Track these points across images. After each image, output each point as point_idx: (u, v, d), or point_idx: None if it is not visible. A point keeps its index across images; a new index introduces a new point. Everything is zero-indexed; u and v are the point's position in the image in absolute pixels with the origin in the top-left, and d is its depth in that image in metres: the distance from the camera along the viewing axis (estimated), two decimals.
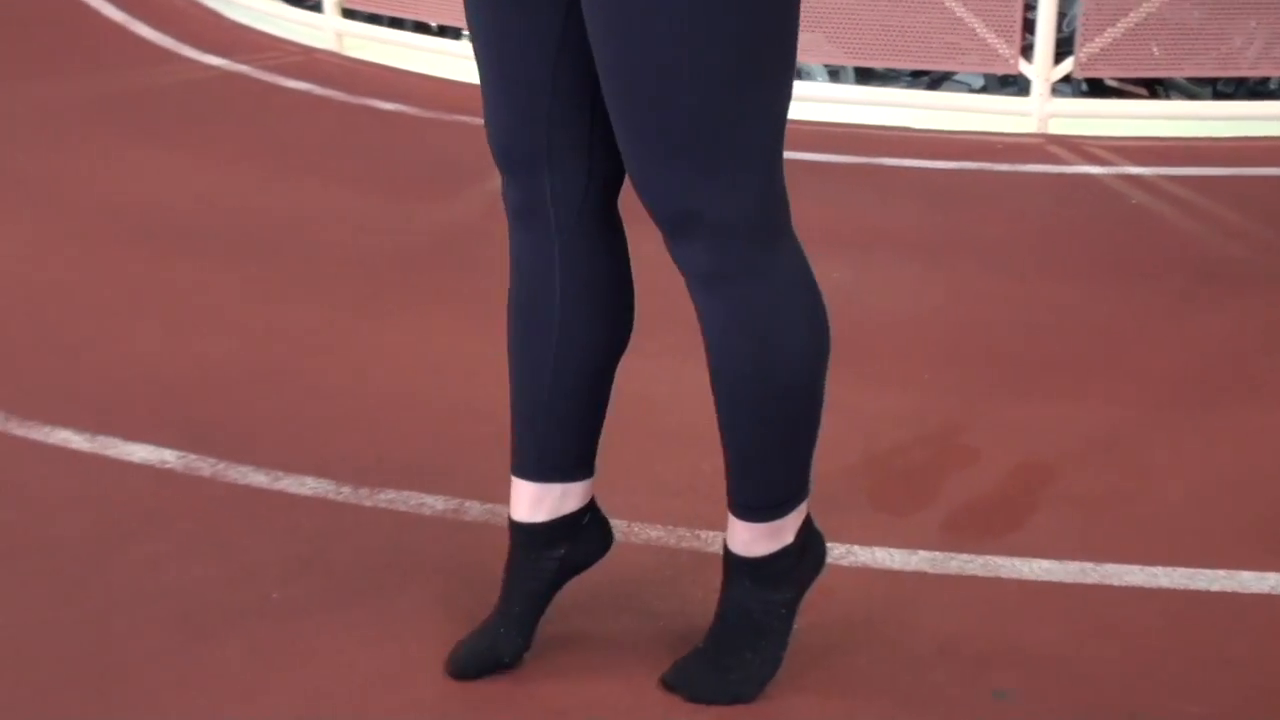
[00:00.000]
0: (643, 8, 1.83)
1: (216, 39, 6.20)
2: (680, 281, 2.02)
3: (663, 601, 2.40)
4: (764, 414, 2.06)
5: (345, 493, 2.72)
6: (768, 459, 2.10)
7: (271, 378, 3.20)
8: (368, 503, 2.70)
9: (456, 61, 5.85)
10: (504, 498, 2.67)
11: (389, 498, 2.71)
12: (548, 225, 2.09)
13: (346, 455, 2.85)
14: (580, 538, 2.23)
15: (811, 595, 2.20)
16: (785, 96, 1.95)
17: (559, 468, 2.19)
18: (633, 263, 2.17)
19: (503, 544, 2.55)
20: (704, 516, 2.62)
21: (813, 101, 5.15)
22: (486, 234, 4.14)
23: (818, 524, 2.21)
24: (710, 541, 2.55)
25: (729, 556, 2.16)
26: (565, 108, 2.01)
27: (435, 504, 2.69)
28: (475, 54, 2.06)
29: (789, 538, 2.14)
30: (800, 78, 5.30)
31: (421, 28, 6.21)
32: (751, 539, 2.12)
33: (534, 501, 2.19)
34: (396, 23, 6.29)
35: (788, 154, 1.98)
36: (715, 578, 2.44)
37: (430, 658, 2.25)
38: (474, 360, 3.29)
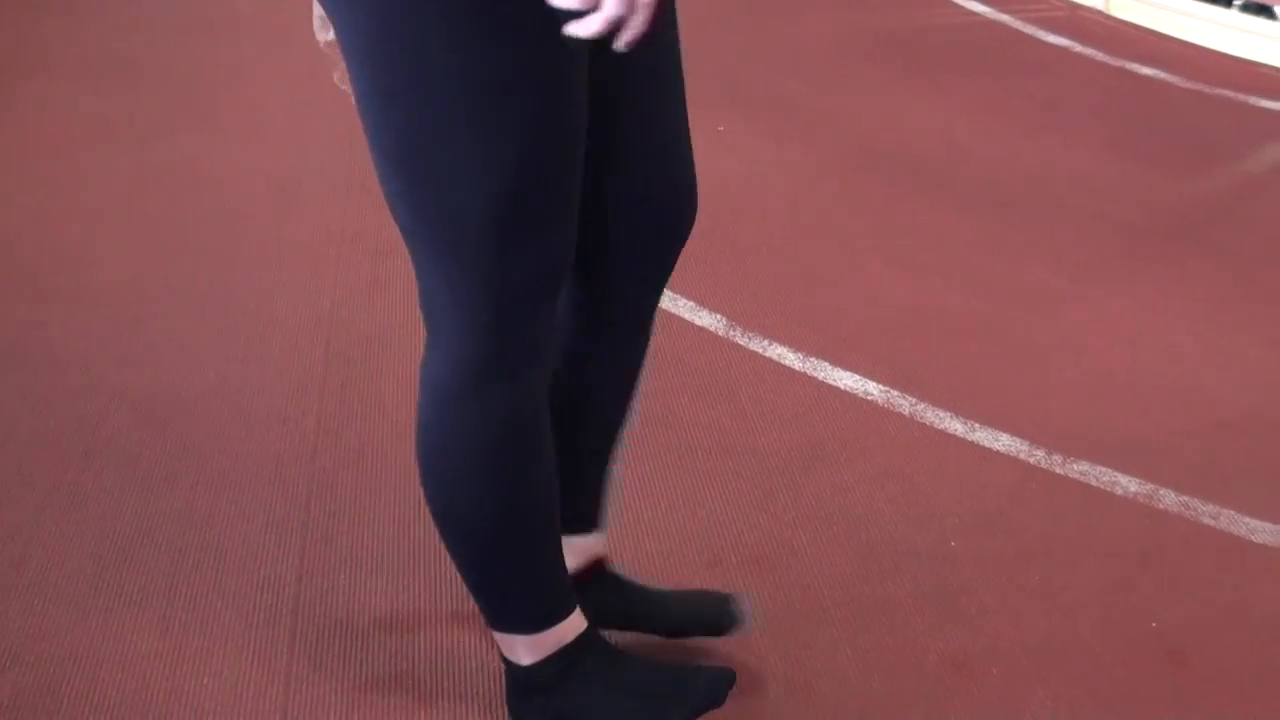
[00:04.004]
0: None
1: None
2: None
3: None
4: (427, 498, 1.88)
5: (1038, 456, 2.70)
6: (449, 550, 1.90)
7: (987, 329, 3.22)
8: (1059, 470, 2.66)
9: (1226, 32, 5.58)
10: (1205, 492, 2.58)
11: (1082, 469, 2.66)
12: None
13: (1046, 419, 2.83)
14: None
15: None
16: (437, 183, 1.65)
17: None
18: None
19: (1194, 539, 2.46)
20: None
21: None
22: (1231, 217, 3.95)
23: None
24: None
25: None
26: None
27: (1129, 485, 2.61)
28: None
29: (519, 655, 1.95)
30: None
31: None
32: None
33: None
34: None
35: None
36: None
37: (1086, 643, 2.20)
38: (1197, 345, 3.16)
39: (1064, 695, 2.09)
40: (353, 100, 1.72)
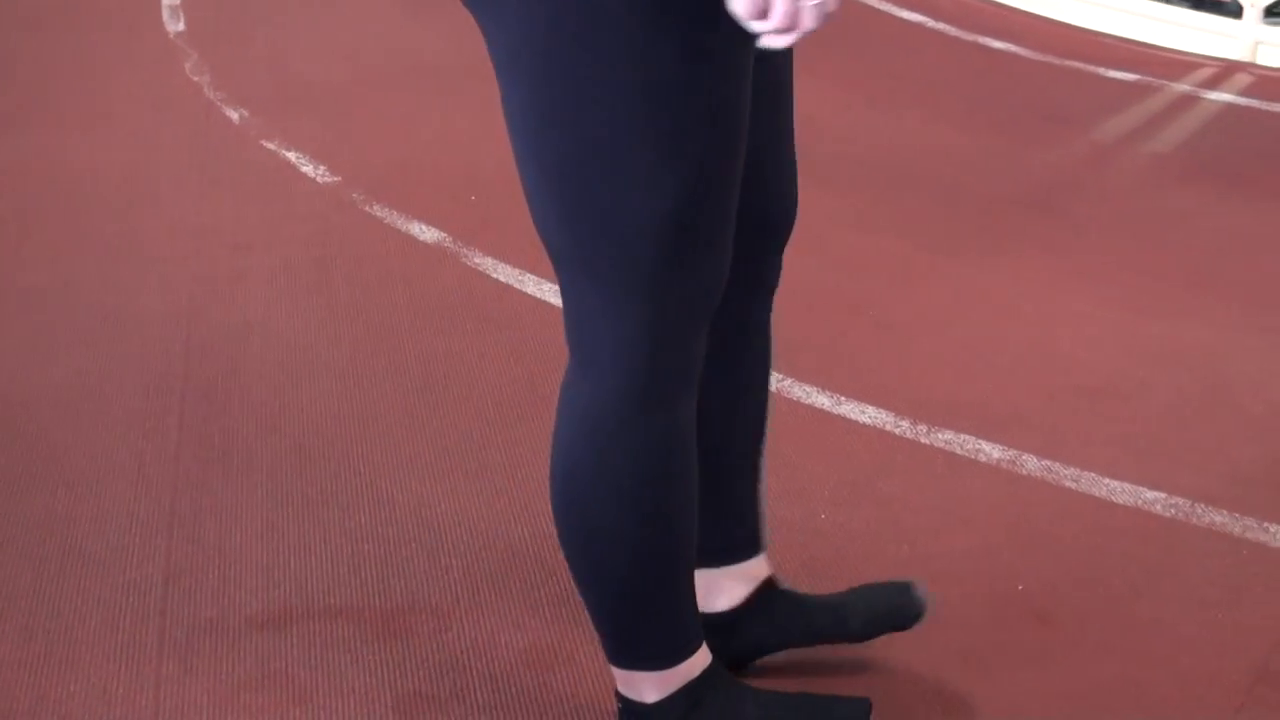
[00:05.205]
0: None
1: None
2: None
3: (1215, 590, 2.28)
4: (563, 528, 1.81)
5: (904, 427, 2.74)
6: (579, 583, 1.83)
7: (850, 304, 3.25)
8: (924, 440, 2.70)
9: (1074, 4, 5.69)
10: (1066, 456, 2.63)
11: (946, 438, 2.70)
12: None
13: (911, 390, 2.86)
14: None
15: None
16: (598, 208, 1.59)
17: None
18: None
19: (1057, 502, 2.51)
20: (1274, 509, 2.48)
21: None
22: (1085, 187, 4.03)
23: None
24: (1277, 536, 2.41)
25: None
26: None
27: (992, 452, 2.66)
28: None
29: (643, 693, 1.86)
30: None
31: None
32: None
33: None
34: None
35: None
36: (1276, 574, 2.32)
37: (954, 608, 2.24)
38: (1054, 312, 3.22)
39: (935, 661, 2.12)
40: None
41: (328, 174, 3.96)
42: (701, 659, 1.87)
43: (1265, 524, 2.44)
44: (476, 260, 3.44)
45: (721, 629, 2.02)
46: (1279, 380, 2.95)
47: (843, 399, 2.83)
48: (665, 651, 1.84)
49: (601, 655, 2.10)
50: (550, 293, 3.25)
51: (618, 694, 1.89)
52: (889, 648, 2.14)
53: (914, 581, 2.08)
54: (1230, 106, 4.74)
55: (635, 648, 1.84)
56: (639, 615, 1.82)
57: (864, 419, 2.77)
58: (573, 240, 1.63)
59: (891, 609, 2.06)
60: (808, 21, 1.40)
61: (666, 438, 1.72)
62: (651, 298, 1.63)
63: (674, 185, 1.57)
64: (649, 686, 1.85)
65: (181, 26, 5.23)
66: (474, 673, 2.10)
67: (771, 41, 1.43)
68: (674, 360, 1.69)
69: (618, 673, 1.87)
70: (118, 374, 2.91)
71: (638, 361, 1.66)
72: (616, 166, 1.56)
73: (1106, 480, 2.57)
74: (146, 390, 2.86)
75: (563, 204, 1.61)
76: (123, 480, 2.56)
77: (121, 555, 2.36)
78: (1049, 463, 2.62)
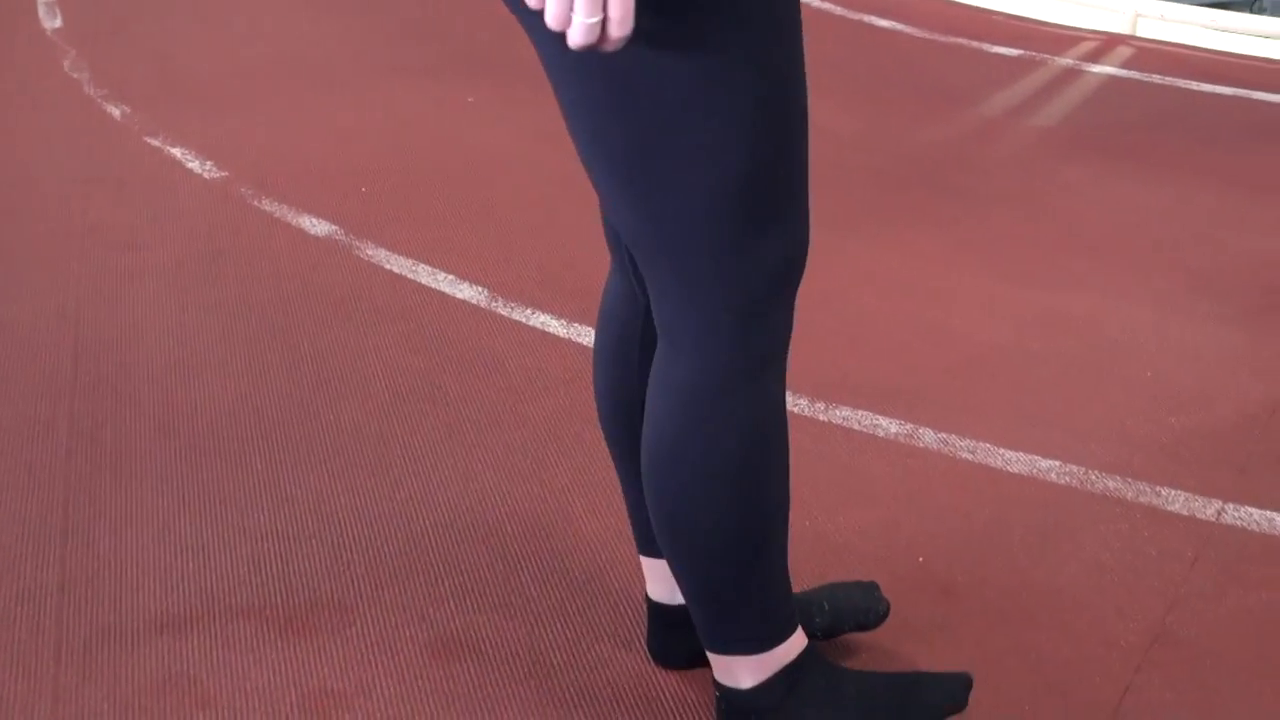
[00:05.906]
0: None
1: None
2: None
3: (1111, 554, 2.32)
4: (660, 511, 1.76)
5: (801, 405, 2.75)
6: (677, 568, 1.79)
7: None
8: (823, 417, 2.72)
9: None
10: (961, 428, 2.66)
11: (844, 414, 2.72)
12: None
13: (808, 368, 2.88)
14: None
15: None
16: (676, 197, 1.57)
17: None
18: None
19: (954, 474, 2.54)
20: (1166, 473, 2.52)
21: None
22: (970, 161, 4.08)
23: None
24: (1170, 500, 2.45)
25: None
26: None
27: (889, 427, 2.68)
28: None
29: (740, 679, 1.84)
30: None
31: None
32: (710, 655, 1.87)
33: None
34: None
35: None
36: (1170, 537, 2.35)
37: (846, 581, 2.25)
38: (946, 286, 3.25)
39: (839, 639, 2.13)
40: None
41: (214, 169, 3.91)
42: (798, 642, 1.85)
43: (1157, 488, 2.49)
44: (369, 252, 3.41)
45: (677, 624, 2.01)
46: (1165, 346, 3.00)
47: None
48: (762, 635, 1.82)
49: (507, 645, 2.10)
50: (445, 282, 3.23)
51: (715, 683, 1.87)
52: None
53: (876, 584, 2.10)
54: (1112, 79, 4.82)
55: (733, 631, 1.81)
56: (737, 597, 1.79)
57: None
58: (644, 220, 1.61)
59: (856, 609, 2.07)
60: (577, 36, 1.33)
61: (758, 411, 1.70)
62: (728, 274, 1.61)
63: (739, 158, 1.55)
64: (745, 672, 1.83)
65: (59, 23, 5.13)
66: (379, 667, 2.09)
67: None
68: (759, 333, 1.67)
69: (715, 659, 1.84)
70: (4, 379, 2.85)
71: (722, 335, 1.65)
72: (679, 141, 1.54)
73: (1002, 450, 2.60)
74: (35, 394, 2.80)
75: (632, 192, 1.59)
76: (12, 487, 2.51)
77: (14, 565, 2.31)
78: (945, 435, 2.65)
